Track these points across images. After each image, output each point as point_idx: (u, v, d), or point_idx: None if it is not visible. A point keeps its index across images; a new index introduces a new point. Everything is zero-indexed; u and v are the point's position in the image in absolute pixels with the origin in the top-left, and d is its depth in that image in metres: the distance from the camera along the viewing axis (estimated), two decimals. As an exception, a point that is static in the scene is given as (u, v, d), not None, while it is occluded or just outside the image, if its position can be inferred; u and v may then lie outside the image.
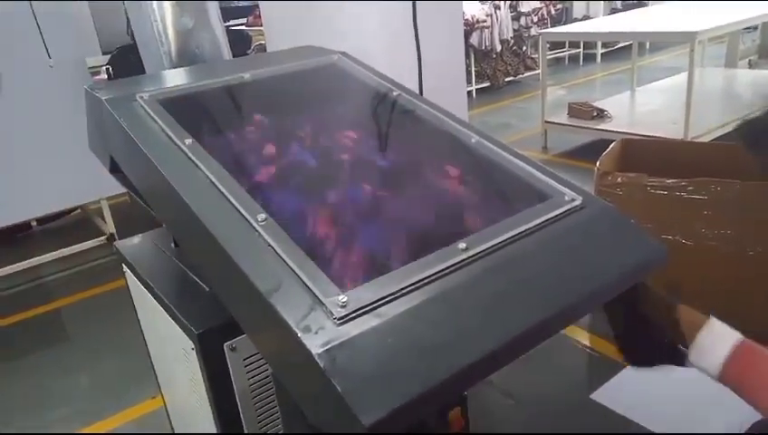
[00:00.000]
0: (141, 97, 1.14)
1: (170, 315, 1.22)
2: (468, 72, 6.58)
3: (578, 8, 8.59)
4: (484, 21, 6.74)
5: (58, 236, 3.96)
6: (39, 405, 2.41)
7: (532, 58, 7.56)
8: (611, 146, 2.76)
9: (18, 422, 2.33)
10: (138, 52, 1.64)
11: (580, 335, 2.33)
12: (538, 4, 7.42)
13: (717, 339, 0.95)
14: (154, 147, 1.03)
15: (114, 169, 1.28)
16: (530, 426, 1.29)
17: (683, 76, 4.74)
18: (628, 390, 1.81)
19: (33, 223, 4.13)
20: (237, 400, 1.15)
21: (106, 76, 3.43)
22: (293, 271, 0.80)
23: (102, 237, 3.74)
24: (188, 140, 1.02)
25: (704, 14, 4.63)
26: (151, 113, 1.10)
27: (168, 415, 1.75)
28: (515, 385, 1.47)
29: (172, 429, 1.75)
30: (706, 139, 4.10)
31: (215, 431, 1.19)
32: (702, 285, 2.34)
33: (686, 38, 4.02)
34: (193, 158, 0.99)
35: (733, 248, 2.27)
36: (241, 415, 1.17)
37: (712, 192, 2.27)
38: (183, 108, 1.15)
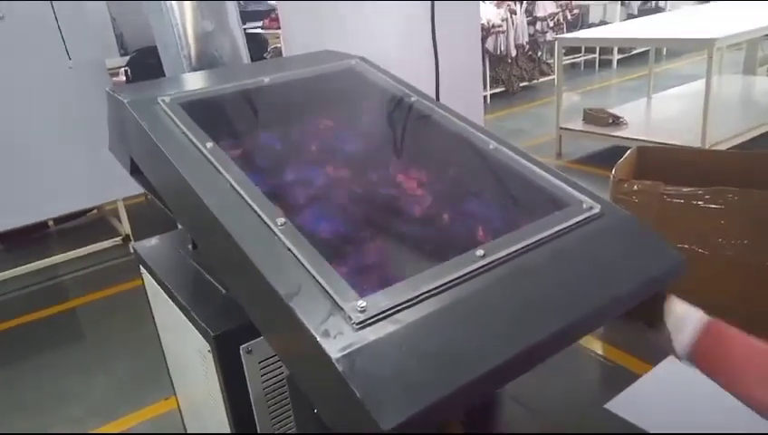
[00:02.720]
0: (163, 100, 1.16)
1: (187, 317, 1.23)
2: (483, 78, 6.57)
3: (594, 13, 8.55)
4: (500, 26, 6.73)
5: (74, 237, 4.01)
6: (54, 404, 2.43)
7: (547, 63, 7.53)
8: (627, 153, 2.75)
9: (33, 420, 2.35)
10: (156, 54, 1.66)
11: (594, 345, 2.32)
12: (554, 9, 7.39)
13: (681, 320, 0.95)
14: (175, 150, 1.05)
15: (134, 170, 1.29)
16: None
17: (700, 83, 4.71)
18: (643, 399, 1.80)
19: (50, 223, 4.19)
20: (252, 402, 1.16)
21: (124, 78, 3.47)
22: (313, 275, 0.80)
23: (118, 238, 3.77)
24: (209, 144, 1.03)
25: (722, 21, 4.59)
26: (172, 116, 1.12)
27: (181, 416, 1.76)
28: (529, 394, 1.47)
29: (185, 430, 1.76)
30: (724, 147, 4.06)
31: (228, 432, 1.20)
32: (718, 296, 2.31)
33: (704, 45, 3.99)
34: (213, 161, 1.00)
35: (750, 258, 2.25)
36: (255, 417, 1.17)
37: (729, 201, 2.25)
38: (204, 111, 1.17)
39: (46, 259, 3.54)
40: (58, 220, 4.14)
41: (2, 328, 3.07)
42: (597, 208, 0.98)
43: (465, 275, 0.83)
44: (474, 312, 0.79)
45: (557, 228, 0.93)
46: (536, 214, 0.97)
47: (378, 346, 0.71)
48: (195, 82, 1.36)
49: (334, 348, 0.70)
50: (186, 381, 1.56)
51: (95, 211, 4.25)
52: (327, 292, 0.78)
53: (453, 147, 1.20)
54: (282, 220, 0.88)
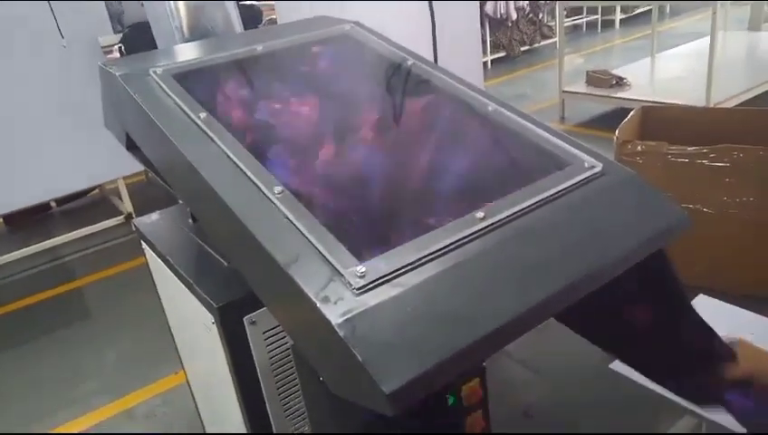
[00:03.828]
0: (155, 72, 1.14)
1: (190, 290, 1.23)
2: (483, 42, 6.47)
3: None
4: (499, -11, 6.61)
5: (77, 217, 4.02)
6: (65, 382, 2.47)
7: (548, 26, 7.41)
8: (631, 114, 2.71)
9: (45, 399, 2.39)
10: (150, 29, 1.64)
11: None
12: (554, -29, 7.24)
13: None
14: (169, 122, 1.03)
15: (130, 145, 1.28)
16: (549, 397, 1.29)
17: (705, 41, 4.62)
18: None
19: (53, 204, 4.19)
20: (258, 372, 1.17)
21: (118, 54, 3.43)
22: (311, 242, 0.79)
23: (121, 216, 3.78)
24: (203, 114, 1.02)
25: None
26: (165, 88, 1.10)
27: (190, 389, 1.78)
28: (534, 356, 1.47)
29: (195, 403, 1.78)
30: (730, 105, 4.00)
31: (236, 404, 1.21)
32: (725, 253, 2.31)
33: (708, 1, 3.91)
34: (208, 131, 0.99)
35: (755, 215, 2.24)
36: (262, 387, 1.18)
37: (734, 159, 2.23)
38: (196, 81, 1.15)
39: (51, 240, 3.56)
40: (60, 201, 4.15)
41: (10, 309, 3.11)
42: (598, 167, 0.97)
43: (465, 237, 0.82)
44: (474, 274, 0.78)
45: (558, 188, 0.91)
46: (537, 174, 0.95)
47: (378, 310, 0.71)
48: (187, 52, 1.34)
49: (335, 314, 0.70)
50: (193, 354, 1.58)
51: (97, 191, 4.26)
52: (326, 258, 0.77)
53: (452, 109, 1.18)
54: (279, 188, 0.87)
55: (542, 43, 7.31)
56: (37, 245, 3.51)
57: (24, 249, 3.47)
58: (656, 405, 1.29)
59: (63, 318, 2.95)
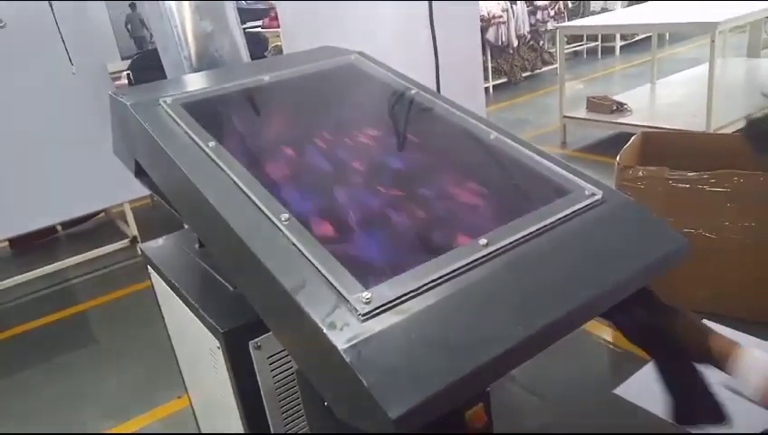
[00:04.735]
0: (165, 101, 1.17)
1: (196, 315, 1.24)
2: (485, 69, 6.55)
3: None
4: (500, 16, 6.71)
5: (83, 240, 4.04)
6: (68, 407, 2.46)
7: (549, 52, 7.50)
8: (631, 139, 2.74)
9: (48, 424, 2.38)
10: (158, 56, 1.67)
11: (602, 331, 2.32)
12: (554, -2, 7.36)
13: (753, 365, 0.95)
14: (178, 150, 1.05)
15: (139, 172, 1.30)
16: (553, 422, 1.29)
17: (704, 67, 4.67)
18: (652, 384, 1.79)
19: (59, 227, 4.22)
20: (263, 397, 1.17)
21: (126, 81, 3.48)
22: (317, 269, 0.81)
23: (126, 240, 3.80)
24: (212, 143, 1.04)
25: (725, 4, 4.56)
26: (175, 117, 1.13)
27: (194, 414, 1.78)
28: (539, 381, 1.47)
29: (198, 428, 1.78)
30: (729, 130, 4.03)
31: (241, 429, 1.21)
32: (727, 279, 2.31)
33: (707, 28, 3.96)
34: (216, 160, 1.01)
35: (757, 241, 2.24)
36: (267, 412, 1.19)
37: (735, 184, 2.24)
38: (205, 111, 1.17)
39: (56, 263, 3.57)
40: (66, 224, 4.17)
41: (14, 332, 3.11)
42: (599, 195, 0.98)
43: (468, 263, 0.83)
44: (478, 300, 0.79)
45: (559, 216, 0.93)
46: (538, 202, 0.97)
47: (384, 336, 0.72)
48: (196, 82, 1.37)
49: (341, 339, 0.71)
50: (197, 378, 1.58)
51: (102, 214, 4.28)
52: (332, 285, 0.79)
53: (454, 138, 1.21)
54: (286, 216, 0.89)
55: (543, 69, 7.39)
56: (42, 268, 3.52)
57: (29, 273, 3.48)
58: (659, 430, 1.29)
59: (67, 342, 2.94)
